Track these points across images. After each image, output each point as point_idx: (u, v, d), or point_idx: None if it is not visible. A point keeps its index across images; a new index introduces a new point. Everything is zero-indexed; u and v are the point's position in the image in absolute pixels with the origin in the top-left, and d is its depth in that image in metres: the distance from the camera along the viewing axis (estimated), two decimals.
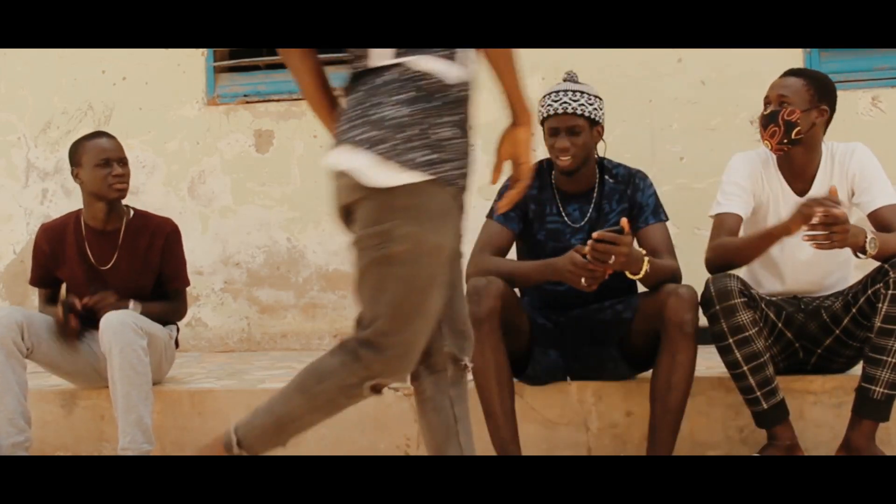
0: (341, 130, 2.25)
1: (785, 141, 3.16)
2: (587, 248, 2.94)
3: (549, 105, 3.25)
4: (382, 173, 2.16)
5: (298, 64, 2.41)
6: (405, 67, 2.24)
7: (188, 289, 3.93)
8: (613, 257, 2.93)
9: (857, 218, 3.17)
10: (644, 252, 3.07)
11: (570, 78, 3.32)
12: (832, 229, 2.86)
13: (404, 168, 2.15)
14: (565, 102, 3.23)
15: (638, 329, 3.22)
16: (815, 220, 2.87)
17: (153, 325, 3.60)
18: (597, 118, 3.25)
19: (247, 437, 2.32)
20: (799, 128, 3.15)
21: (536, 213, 3.32)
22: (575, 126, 3.22)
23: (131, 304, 3.65)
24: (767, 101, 3.22)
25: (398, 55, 2.26)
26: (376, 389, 2.30)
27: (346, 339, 2.33)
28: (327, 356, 2.35)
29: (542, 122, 3.28)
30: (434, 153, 2.17)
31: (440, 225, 2.23)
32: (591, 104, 3.24)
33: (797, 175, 3.23)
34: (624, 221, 2.95)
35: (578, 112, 3.22)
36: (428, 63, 2.25)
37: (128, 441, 3.32)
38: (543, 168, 3.36)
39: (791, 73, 3.25)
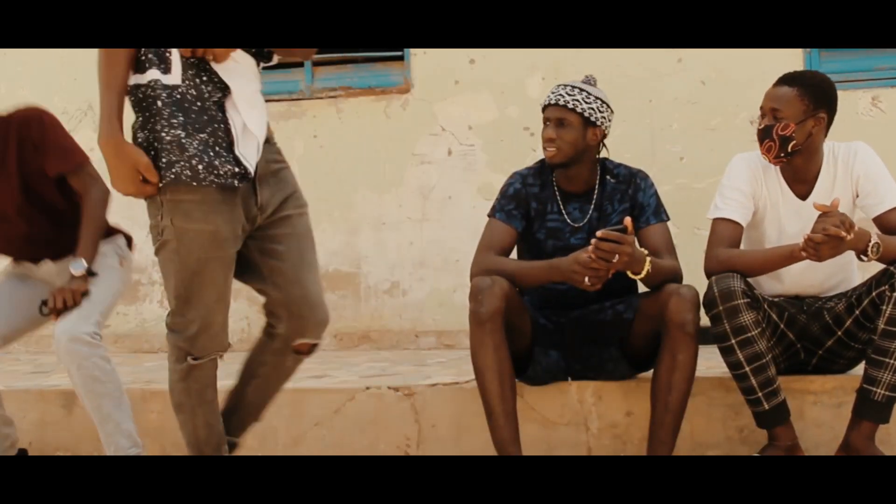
0: None
1: (782, 155, 3.13)
2: (591, 247, 2.94)
3: (547, 96, 3.28)
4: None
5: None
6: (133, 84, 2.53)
7: None
8: (617, 256, 2.92)
9: (859, 217, 3.17)
10: (646, 252, 3.06)
11: (587, 80, 3.32)
12: (820, 247, 2.87)
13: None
14: (560, 95, 3.24)
15: (639, 329, 3.22)
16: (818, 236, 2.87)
17: (104, 299, 3.17)
18: (594, 119, 3.23)
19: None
20: (795, 141, 3.10)
21: (538, 212, 3.32)
22: (564, 119, 3.22)
23: (73, 267, 3.13)
24: (762, 113, 3.18)
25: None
26: (197, 359, 2.64)
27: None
28: None
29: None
30: (165, 156, 2.48)
31: (200, 214, 2.51)
32: (588, 103, 3.23)
33: (799, 178, 3.21)
34: (628, 220, 2.95)
35: (570, 106, 3.22)
36: (144, 76, 2.52)
37: (112, 450, 3.16)
38: (545, 166, 3.36)
39: (784, 80, 3.18)
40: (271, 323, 2.74)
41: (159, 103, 2.50)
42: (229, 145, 2.53)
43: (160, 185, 2.50)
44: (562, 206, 3.33)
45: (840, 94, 3.27)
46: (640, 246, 3.26)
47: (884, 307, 2.98)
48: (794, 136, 3.10)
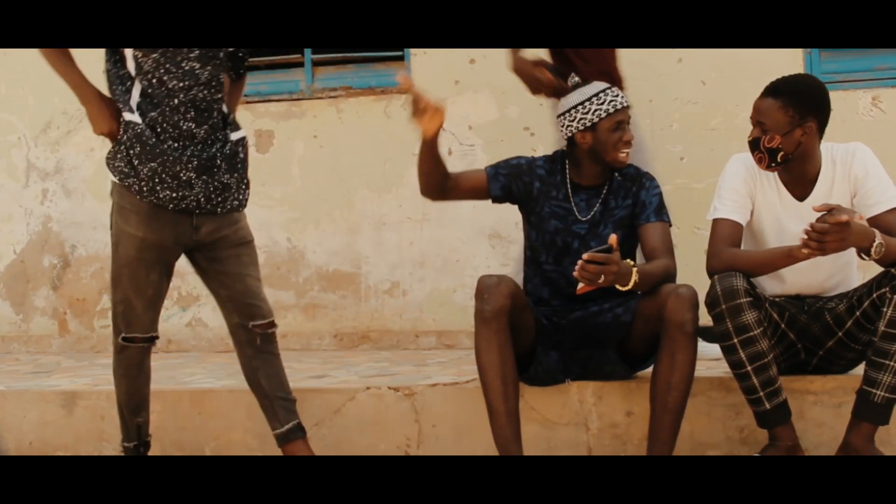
0: None
1: (773, 165, 3.13)
2: (577, 269, 2.95)
3: (611, 101, 3.29)
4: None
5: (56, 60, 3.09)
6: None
7: (189, 289, 3.91)
8: (602, 277, 2.94)
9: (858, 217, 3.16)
10: (632, 263, 3.06)
11: (578, 83, 3.37)
12: (825, 238, 2.85)
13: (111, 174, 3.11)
14: (622, 97, 3.32)
15: (637, 331, 3.22)
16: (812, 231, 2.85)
17: None
18: None
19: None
20: (783, 152, 3.09)
21: (541, 191, 3.36)
22: (628, 120, 3.33)
23: None
24: (751, 123, 3.17)
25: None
26: (126, 341, 3.19)
27: None
28: None
29: (600, 120, 3.28)
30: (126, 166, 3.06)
31: (134, 222, 3.08)
32: None
33: (796, 181, 3.20)
34: (612, 238, 2.96)
35: (629, 106, 3.34)
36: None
37: None
38: (557, 156, 3.42)
39: (769, 91, 3.14)
40: (229, 320, 3.22)
41: (134, 136, 3.08)
42: (175, 175, 3.05)
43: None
44: (570, 195, 3.35)
45: (840, 94, 3.27)
46: (640, 243, 3.28)
47: (884, 309, 2.97)
48: (781, 148, 3.09)
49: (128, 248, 3.09)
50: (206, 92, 3.08)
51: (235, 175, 3.17)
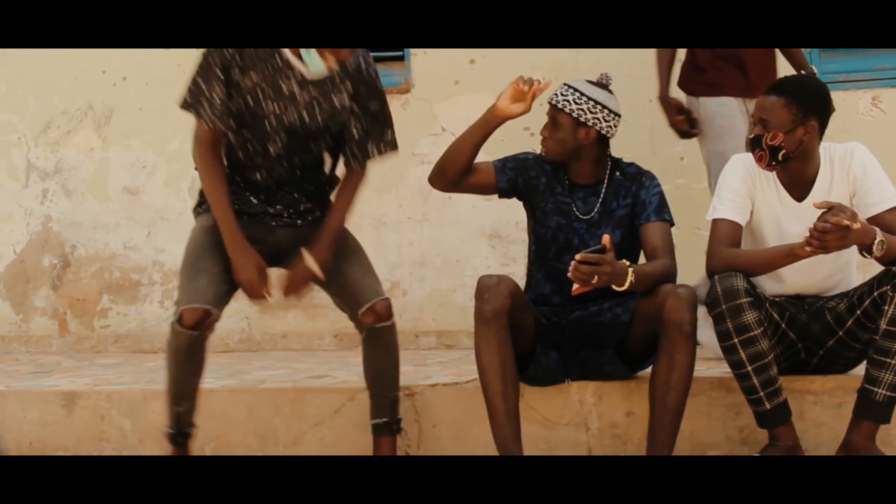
0: None
1: (773, 163, 3.13)
2: (570, 270, 2.95)
3: (551, 96, 3.35)
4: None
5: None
6: None
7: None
8: (596, 277, 2.94)
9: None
10: (627, 263, 3.06)
11: (601, 78, 3.40)
12: (826, 237, 2.86)
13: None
14: (555, 94, 3.33)
15: (636, 331, 3.22)
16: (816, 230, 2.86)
17: None
18: (583, 120, 3.28)
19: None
20: (784, 150, 3.09)
21: (546, 186, 3.38)
22: (556, 118, 3.32)
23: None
24: (753, 122, 3.18)
25: None
26: (179, 322, 3.08)
27: None
28: None
29: None
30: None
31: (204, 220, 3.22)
32: (579, 104, 3.27)
33: (795, 182, 3.20)
34: (606, 239, 2.96)
35: (560, 106, 3.30)
36: None
37: None
38: None
39: (772, 89, 3.16)
40: (351, 320, 3.24)
41: None
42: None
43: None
44: (569, 193, 3.37)
45: (840, 94, 3.27)
46: (641, 243, 3.28)
47: (886, 307, 2.97)
48: (783, 146, 3.09)
49: (199, 236, 3.18)
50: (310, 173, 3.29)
51: (320, 203, 3.32)
